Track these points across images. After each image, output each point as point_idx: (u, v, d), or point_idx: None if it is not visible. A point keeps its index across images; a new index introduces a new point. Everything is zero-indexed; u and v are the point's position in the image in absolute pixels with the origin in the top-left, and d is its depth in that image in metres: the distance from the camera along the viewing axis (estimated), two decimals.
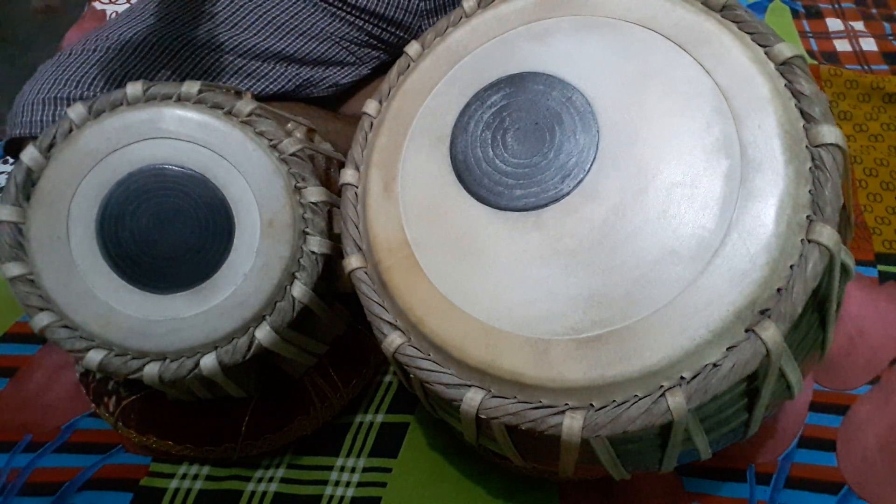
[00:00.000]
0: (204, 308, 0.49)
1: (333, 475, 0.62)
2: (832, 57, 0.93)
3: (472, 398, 0.38)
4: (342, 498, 0.60)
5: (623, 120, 0.40)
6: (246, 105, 0.51)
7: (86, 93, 0.60)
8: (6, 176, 0.89)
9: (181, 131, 0.50)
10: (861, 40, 0.94)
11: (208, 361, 0.49)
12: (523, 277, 0.38)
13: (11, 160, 0.96)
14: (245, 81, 0.67)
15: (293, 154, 0.51)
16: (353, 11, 0.68)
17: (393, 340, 0.41)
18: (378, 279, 0.43)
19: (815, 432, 0.59)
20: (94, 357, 0.50)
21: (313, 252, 0.50)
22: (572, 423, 0.35)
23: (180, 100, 0.51)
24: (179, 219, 0.50)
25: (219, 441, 0.61)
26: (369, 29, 0.70)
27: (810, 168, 0.36)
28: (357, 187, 0.46)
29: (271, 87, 0.68)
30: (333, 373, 0.62)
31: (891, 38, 0.94)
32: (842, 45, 0.94)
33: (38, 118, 0.59)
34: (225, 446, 0.61)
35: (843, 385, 0.62)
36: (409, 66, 0.48)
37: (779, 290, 0.34)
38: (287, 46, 0.68)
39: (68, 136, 0.51)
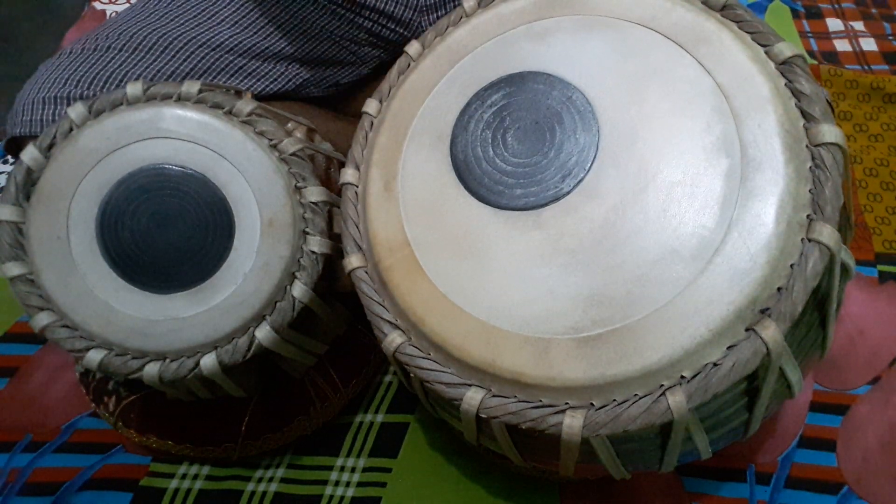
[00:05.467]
0: (204, 308, 0.49)
1: (333, 475, 0.62)
2: (832, 57, 0.93)
3: (473, 397, 0.38)
4: (342, 498, 0.60)
5: (623, 119, 0.40)
6: (246, 105, 0.51)
7: (86, 92, 0.60)
8: (6, 176, 0.89)
9: (181, 131, 0.50)
10: (861, 40, 0.94)
11: (208, 361, 0.49)
12: (523, 277, 0.38)
13: (12, 160, 0.97)
14: (245, 81, 0.67)
15: (293, 154, 0.51)
16: (354, 8, 0.68)
17: (393, 340, 0.41)
18: (378, 278, 0.43)
19: (815, 432, 0.60)
20: (94, 357, 0.50)
21: (313, 252, 0.50)
22: (573, 422, 0.35)
23: (180, 99, 0.51)
24: (179, 218, 0.49)
25: (219, 441, 0.61)
26: (369, 27, 0.70)
27: (810, 167, 0.36)
28: (357, 186, 0.46)
29: (271, 86, 0.68)
30: (333, 373, 0.62)
31: (891, 38, 0.94)
32: (842, 45, 0.94)
33: (39, 117, 0.59)
34: (225, 446, 0.61)
35: (843, 385, 0.62)
36: (409, 65, 0.49)
37: (779, 289, 0.34)
38: (287, 46, 0.68)
39: (68, 136, 0.51)
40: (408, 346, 0.41)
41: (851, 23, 0.97)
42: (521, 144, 0.42)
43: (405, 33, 0.73)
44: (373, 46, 0.73)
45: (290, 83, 0.69)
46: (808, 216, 0.35)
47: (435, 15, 0.73)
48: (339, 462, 0.63)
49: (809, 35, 0.97)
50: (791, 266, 0.34)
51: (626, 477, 0.43)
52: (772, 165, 0.36)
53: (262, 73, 0.67)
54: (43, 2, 1.33)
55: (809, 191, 0.36)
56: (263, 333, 0.50)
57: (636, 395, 0.35)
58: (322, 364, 0.62)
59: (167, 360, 0.50)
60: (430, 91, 0.45)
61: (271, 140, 0.51)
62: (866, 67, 0.90)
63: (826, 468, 0.57)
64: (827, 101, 0.38)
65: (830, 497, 0.56)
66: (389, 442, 0.63)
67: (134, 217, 0.50)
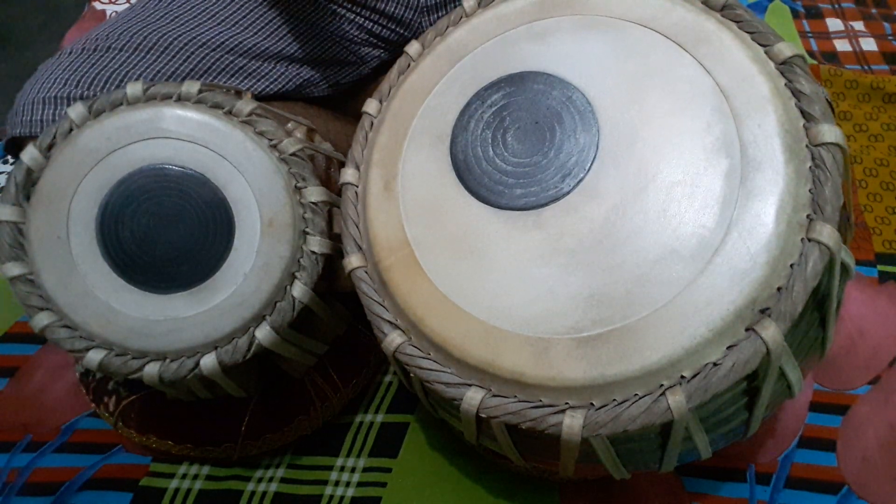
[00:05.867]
0: (204, 308, 0.49)
1: (333, 475, 0.62)
2: (832, 57, 0.93)
3: (473, 397, 0.38)
4: (342, 498, 0.60)
5: (623, 119, 0.40)
6: (246, 105, 0.51)
7: (86, 92, 0.60)
8: (6, 176, 0.89)
9: (181, 131, 0.50)
10: (861, 40, 0.94)
11: (208, 361, 0.49)
12: (523, 276, 0.38)
13: (12, 160, 0.97)
14: (245, 81, 0.67)
15: (293, 154, 0.51)
16: (354, 9, 0.68)
17: (393, 340, 0.41)
18: (378, 278, 0.43)
19: (815, 432, 0.60)
20: (94, 357, 0.50)
21: (313, 252, 0.50)
22: (572, 422, 0.35)
23: (180, 99, 0.51)
24: (180, 219, 0.49)
25: (219, 441, 0.61)
26: (370, 27, 0.70)
27: (810, 167, 0.36)
28: (357, 186, 0.46)
29: (272, 86, 0.68)
30: (333, 373, 0.62)
31: (891, 38, 0.94)
32: (842, 45, 0.94)
33: (39, 117, 0.59)
34: (225, 446, 0.61)
35: (843, 385, 0.62)
36: (409, 65, 0.49)
37: (779, 288, 0.34)
38: (287, 46, 0.68)
39: (68, 136, 0.51)
40: (408, 346, 0.41)
41: (851, 23, 0.97)
42: (521, 144, 0.42)
43: (405, 33, 0.73)
44: (373, 47, 0.73)
45: (290, 83, 0.69)
46: (808, 216, 0.35)
47: (435, 15, 0.73)
48: (339, 462, 0.63)
49: (809, 35, 0.97)
50: (791, 266, 0.34)
51: (625, 477, 0.43)
52: (772, 165, 0.36)
53: (262, 73, 0.67)
54: (43, 2, 1.34)
55: (809, 191, 0.36)
56: (263, 333, 0.50)
57: (636, 394, 0.35)
58: (322, 364, 0.62)
59: (167, 360, 0.50)
60: (430, 91, 0.45)
61: (271, 140, 0.51)
62: (866, 67, 0.90)
63: (826, 468, 0.57)
64: (827, 100, 0.38)
65: (830, 497, 0.56)
66: (389, 442, 0.63)
67: (134, 217, 0.50)
